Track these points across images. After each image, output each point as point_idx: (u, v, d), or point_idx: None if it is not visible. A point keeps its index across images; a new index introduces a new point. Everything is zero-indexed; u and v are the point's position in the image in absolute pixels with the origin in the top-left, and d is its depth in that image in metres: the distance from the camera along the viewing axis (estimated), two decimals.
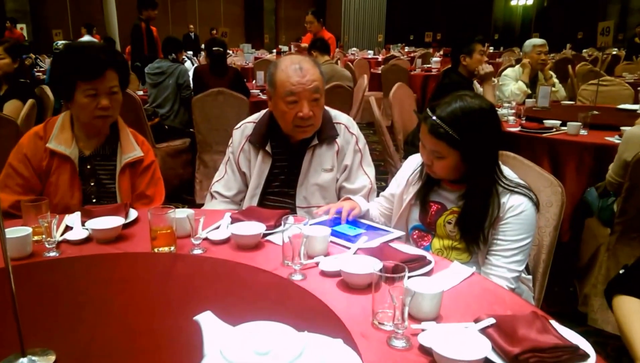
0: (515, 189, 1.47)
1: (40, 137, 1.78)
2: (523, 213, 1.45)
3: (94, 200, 1.83)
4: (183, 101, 4.22)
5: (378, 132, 3.45)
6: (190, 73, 4.50)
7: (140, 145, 1.88)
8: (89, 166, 1.82)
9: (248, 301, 1.12)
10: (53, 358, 0.87)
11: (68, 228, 1.52)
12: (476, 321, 0.98)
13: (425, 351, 0.93)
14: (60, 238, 1.45)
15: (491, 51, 13.07)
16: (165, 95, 4.21)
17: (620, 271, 1.26)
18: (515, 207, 1.46)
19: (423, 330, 0.97)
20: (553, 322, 0.98)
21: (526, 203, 1.46)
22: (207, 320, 0.65)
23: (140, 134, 1.96)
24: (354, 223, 1.61)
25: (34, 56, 7.93)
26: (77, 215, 1.55)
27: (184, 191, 4.05)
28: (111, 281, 1.23)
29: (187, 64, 5.38)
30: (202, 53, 7.29)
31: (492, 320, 0.96)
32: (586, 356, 0.90)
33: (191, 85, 4.30)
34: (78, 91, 1.72)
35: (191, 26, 13.99)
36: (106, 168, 1.84)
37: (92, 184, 1.83)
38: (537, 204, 1.48)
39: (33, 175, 1.77)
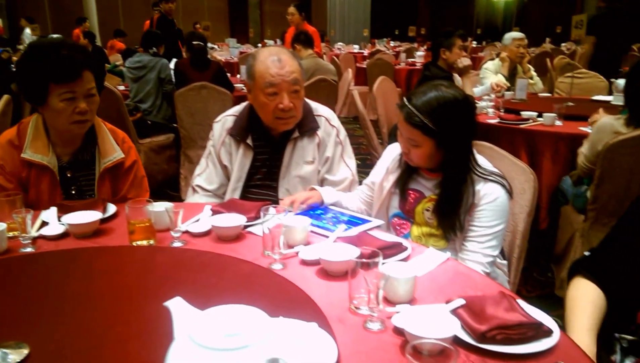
0: (490, 178, 1.52)
1: (15, 146, 1.66)
2: (497, 200, 1.49)
3: None
4: (165, 95, 4.19)
5: (362, 125, 3.48)
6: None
7: (120, 144, 1.79)
8: (69, 174, 1.73)
9: (226, 290, 1.14)
10: (26, 351, 0.88)
11: (44, 224, 1.49)
12: (447, 302, 1.01)
13: (399, 332, 0.96)
14: (36, 234, 1.42)
15: (474, 45, 13.17)
16: (146, 90, 4.18)
17: (586, 253, 1.30)
18: (489, 194, 1.50)
19: (397, 313, 1.01)
20: (520, 301, 1.02)
21: (500, 191, 1.50)
22: (177, 306, 0.67)
23: (122, 130, 1.89)
24: (335, 213, 1.64)
25: (11, 50, 7.79)
26: (53, 210, 1.52)
27: (168, 187, 4.05)
28: (88, 274, 1.23)
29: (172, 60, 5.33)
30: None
31: (462, 301, 0.99)
32: (550, 332, 0.94)
33: (173, 79, 4.27)
34: (52, 95, 1.59)
35: (147, 22, 13.64)
36: (87, 175, 1.75)
37: (74, 192, 1.74)
38: (510, 192, 1.53)
39: (17, 186, 1.66)
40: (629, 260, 1.20)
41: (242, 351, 0.55)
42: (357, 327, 1.00)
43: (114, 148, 1.76)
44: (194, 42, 4.14)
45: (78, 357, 0.89)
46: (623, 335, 1.19)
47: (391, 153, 1.73)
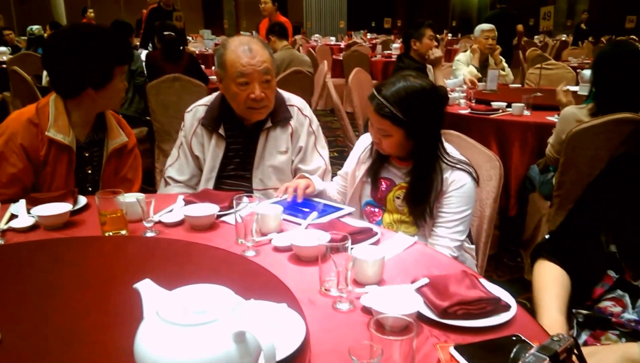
0: (457, 166, 1.57)
1: (35, 124, 1.70)
2: (463, 187, 1.55)
3: (90, 189, 1.82)
4: (137, 88, 4.13)
5: (338, 117, 3.51)
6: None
7: (123, 128, 1.90)
8: (87, 154, 1.81)
9: (199, 276, 1.14)
10: None
11: (13, 217, 1.48)
12: (413, 282, 1.06)
13: (367, 311, 1.00)
14: (5, 226, 1.41)
15: (449, 37, 13.30)
16: None
17: (546, 236, 1.36)
18: (456, 181, 1.55)
19: (366, 293, 1.05)
20: (482, 280, 1.07)
21: (466, 178, 1.55)
22: (146, 287, 0.69)
23: None
24: (308, 201, 1.67)
25: None
26: (22, 203, 1.51)
27: (144, 181, 4.01)
28: (58, 264, 1.23)
29: (141, 50, 5.26)
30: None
31: (426, 280, 1.04)
32: (508, 307, 0.99)
33: (145, 71, 4.21)
34: (116, 76, 1.74)
35: (144, 11, 13.52)
36: (98, 156, 1.84)
37: (90, 171, 1.83)
38: (476, 179, 1.58)
39: (28, 167, 1.70)
40: (584, 239, 1.26)
41: (209, 326, 0.57)
42: (327, 308, 1.04)
43: (119, 131, 1.87)
44: (165, 33, 4.07)
45: (51, 341, 0.90)
46: (579, 311, 1.26)
47: (363, 143, 1.77)
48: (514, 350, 0.80)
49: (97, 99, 1.75)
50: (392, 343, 0.75)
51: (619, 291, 1.21)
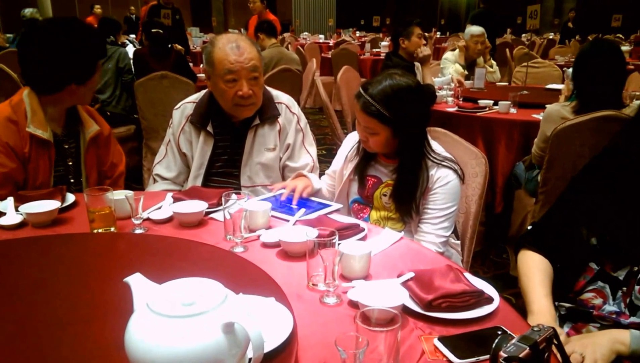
0: (443, 163, 1.59)
1: (14, 121, 1.68)
2: (449, 184, 1.57)
3: (72, 180, 1.83)
4: (125, 85, 4.11)
5: (326, 115, 3.53)
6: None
7: (95, 119, 1.91)
8: (66, 146, 1.82)
9: (188, 271, 1.15)
10: None
11: (1, 214, 1.48)
12: (399, 276, 1.08)
13: (354, 305, 1.02)
14: None
15: (438, 35, 13.37)
16: (105, 80, 4.09)
17: (529, 227, 1.39)
18: (442, 178, 1.57)
19: (353, 287, 1.07)
20: (467, 274, 1.10)
21: (451, 175, 1.58)
22: (136, 281, 0.70)
23: None
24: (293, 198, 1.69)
25: None
26: (10, 201, 1.51)
27: (132, 180, 4.00)
28: (47, 261, 1.23)
29: (129, 48, 5.22)
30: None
31: (412, 274, 1.06)
32: (491, 299, 1.02)
33: (132, 69, 4.20)
34: (97, 71, 1.78)
35: (132, 8, 13.40)
36: (76, 148, 1.86)
37: (71, 163, 1.84)
38: (461, 176, 1.60)
39: (19, 165, 1.69)
40: (566, 232, 1.29)
41: (199, 317, 0.59)
42: (315, 302, 1.06)
43: (91, 121, 1.88)
44: (153, 30, 4.06)
45: (42, 335, 0.91)
46: (562, 303, 1.29)
47: (350, 142, 1.79)
48: (496, 340, 0.82)
49: (77, 94, 1.77)
50: (378, 335, 0.77)
51: (600, 283, 1.25)
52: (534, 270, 1.27)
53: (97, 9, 11.12)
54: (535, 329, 0.84)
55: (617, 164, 1.26)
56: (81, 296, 1.06)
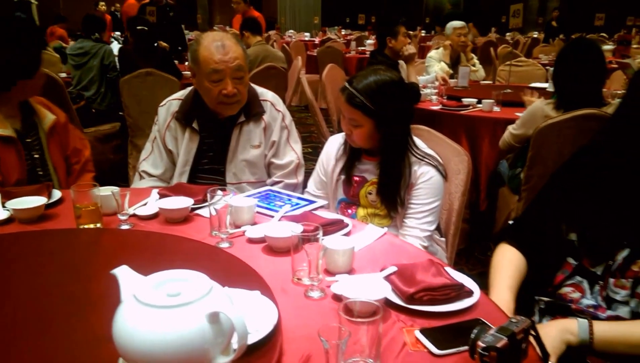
0: (425, 159, 1.63)
1: None
2: (431, 179, 1.61)
3: (40, 172, 1.84)
4: (109, 83, 4.10)
5: (312, 113, 3.54)
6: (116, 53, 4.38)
7: (50, 108, 1.93)
8: (28, 140, 1.84)
9: (174, 265, 1.16)
10: None
11: None
12: (382, 270, 1.10)
13: (337, 298, 1.04)
14: None
15: (423, 34, 13.44)
16: (90, 77, 4.07)
17: (510, 222, 1.42)
18: (425, 174, 1.61)
19: (337, 282, 1.09)
20: (448, 269, 1.12)
21: (433, 171, 1.62)
22: (123, 273, 0.71)
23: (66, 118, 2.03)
24: (280, 194, 1.70)
25: None
26: None
27: (117, 177, 3.98)
28: (34, 256, 1.24)
29: (114, 45, 5.19)
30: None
31: (394, 268, 1.09)
32: (471, 292, 1.04)
33: (117, 66, 4.18)
34: (42, 62, 1.81)
35: (117, 5, 13.25)
36: (36, 140, 1.87)
37: (37, 156, 1.85)
38: (442, 174, 1.64)
39: None
40: (546, 227, 1.32)
41: (185, 307, 0.61)
42: (299, 296, 1.08)
43: (45, 111, 1.91)
44: (138, 27, 4.04)
45: (29, 328, 0.92)
46: (541, 298, 1.32)
47: (334, 144, 1.80)
48: (475, 331, 0.85)
49: (27, 88, 1.81)
50: (360, 326, 0.79)
51: (578, 277, 1.28)
52: (505, 262, 1.30)
53: (102, 6, 11.06)
54: (513, 320, 0.87)
55: (596, 162, 1.29)
56: (69, 290, 1.07)
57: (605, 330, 1.13)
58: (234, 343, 0.66)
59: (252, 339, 0.69)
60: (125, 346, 0.60)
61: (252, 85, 1.97)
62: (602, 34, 11.29)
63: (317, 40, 10.62)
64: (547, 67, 4.59)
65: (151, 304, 0.60)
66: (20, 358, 0.84)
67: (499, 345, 0.81)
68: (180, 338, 0.59)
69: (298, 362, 0.85)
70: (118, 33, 8.12)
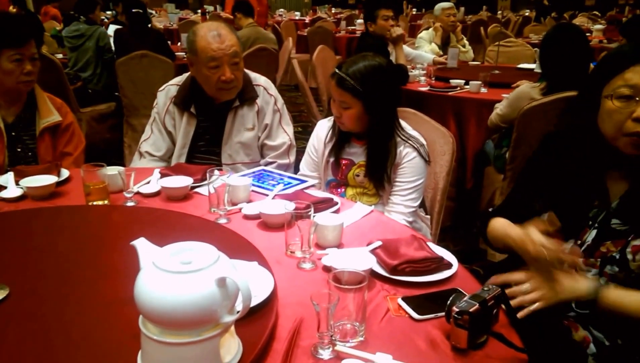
0: (409, 141, 1.73)
1: None
2: (414, 159, 1.71)
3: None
4: (105, 64, 4.14)
5: (302, 93, 3.59)
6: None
7: (58, 109, 1.96)
8: (13, 133, 1.89)
9: (178, 239, 1.27)
10: (6, 292, 1.00)
11: (2, 188, 1.58)
12: (368, 244, 1.21)
13: (327, 269, 1.14)
14: None
15: (414, 12, 13.34)
16: (86, 58, 4.11)
17: (490, 210, 1.49)
18: (409, 154, 1.72)
19: (326, 255, 1.19)
20: (430, 243, 1.22)
21: (415, 153, 1.72)
22: (141, 244, 0.82)
23: (62, 99, 2.05)
24: (274, 174, 1.80)
25: None
26: (10, 175, 1.61)
27: (113, 156, 4.04)
28: (50, 230, 1.34)
29: (111, 27, 5.16)
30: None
31: (379, 243, 1.19)
32: (450, 265, 1.15)
33: (113, 48, 4.21)
34: (3, 58, 1.80)
35: None
36: (29, 133, 1.91)
37: (19, 150, 1.89)
38: (423, 155, 1.73)
39: None
40: (525, 210, 1.39)
41: (197, 273, 0.71)
42: (292, 267, 1.18)
43: (52, 111, 1.95)
44: (133, 10, 4.07)
45: (54, 294, 1.03)
46: None
47: (323, 129, 1.89)
48: (450, 298, 0.95)
49: None
50: (347, 293, 0.89)
51: None
52: (504, 221, 1.30)
53: None
54: (485, 289, 0.97)
55: (562, 145, 1.35)
56: (85, 260, 1.17)
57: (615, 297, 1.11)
58: (238, 305, 0.77)
59: (252, 303, 0.79)
60: (145, 306, 0.70)
61: (246, 71, 2.05)
62: (594, 12, 11.30)
63: (307, 19, 10.55)
64: (536, 48, 4.64)
65: (168, 270, 0.71)
66: (47, 319, 0.94)
67: (471, 310, 0.91)
68: (193, 299, 0.69)
69: (292, 323, 0.95)
70: (110, 13, 8.04)
